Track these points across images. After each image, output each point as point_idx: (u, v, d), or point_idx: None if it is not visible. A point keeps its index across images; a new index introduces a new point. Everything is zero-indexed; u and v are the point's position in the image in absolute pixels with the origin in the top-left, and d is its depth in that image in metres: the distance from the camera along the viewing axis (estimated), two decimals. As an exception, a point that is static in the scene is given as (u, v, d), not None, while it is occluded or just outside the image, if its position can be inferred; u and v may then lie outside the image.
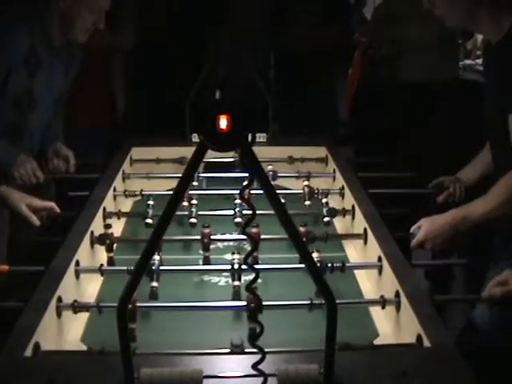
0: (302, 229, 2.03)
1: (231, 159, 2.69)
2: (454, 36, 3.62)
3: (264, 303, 1.39)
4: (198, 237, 2.10)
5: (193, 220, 2.23)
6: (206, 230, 2.09)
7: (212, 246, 2.15)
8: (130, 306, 1.59)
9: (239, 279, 1.83)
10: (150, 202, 2.33)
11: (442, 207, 2.29)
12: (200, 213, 2.28)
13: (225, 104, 1.01)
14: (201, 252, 2.12)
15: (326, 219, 2.24)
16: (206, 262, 2.10)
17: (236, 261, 1.85)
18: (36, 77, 2.49)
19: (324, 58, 3.74)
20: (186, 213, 2.26)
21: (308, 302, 1.62)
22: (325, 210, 2.27)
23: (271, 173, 2.65)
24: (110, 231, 2.08)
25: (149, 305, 1.74)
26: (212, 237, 2.10)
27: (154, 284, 1.81)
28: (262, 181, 1.07)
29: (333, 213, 2.27)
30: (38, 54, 2.47)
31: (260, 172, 1.07)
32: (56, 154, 2.73)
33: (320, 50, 3.65)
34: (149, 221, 2.21)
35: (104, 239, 2.05)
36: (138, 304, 1.60)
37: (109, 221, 2.26)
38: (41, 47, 2.48)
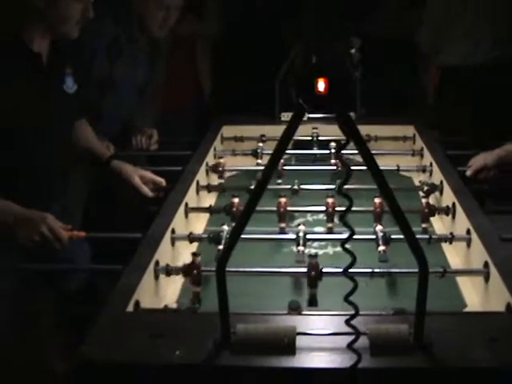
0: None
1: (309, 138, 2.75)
2: None
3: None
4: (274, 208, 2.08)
5: (295, 187, 2.31)
6: (283, 200, 2.09)
7: (301, 219, 2.20)
8: (195, 271, 1.68)
9: (304, 245, 1.84)
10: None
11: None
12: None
13: (323, 67, 1.05)
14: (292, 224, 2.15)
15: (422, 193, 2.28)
16: (282, 232, 2.07)
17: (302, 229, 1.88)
18: (116, 64, 2.66)
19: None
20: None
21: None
22: (424, 186, 2.31)
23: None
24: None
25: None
26: (288, 208, 2.09)
27: (220, 247, 1.84)
28: (359, 146, 1.10)
29: (432, 188, 2.30)
30: (120, 44, 2.65)
31: (358, 137, 1.09)
32: (141, 131, 2.83)
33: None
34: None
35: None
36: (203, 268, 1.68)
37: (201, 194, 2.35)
38: (123, 38, 2.66)
